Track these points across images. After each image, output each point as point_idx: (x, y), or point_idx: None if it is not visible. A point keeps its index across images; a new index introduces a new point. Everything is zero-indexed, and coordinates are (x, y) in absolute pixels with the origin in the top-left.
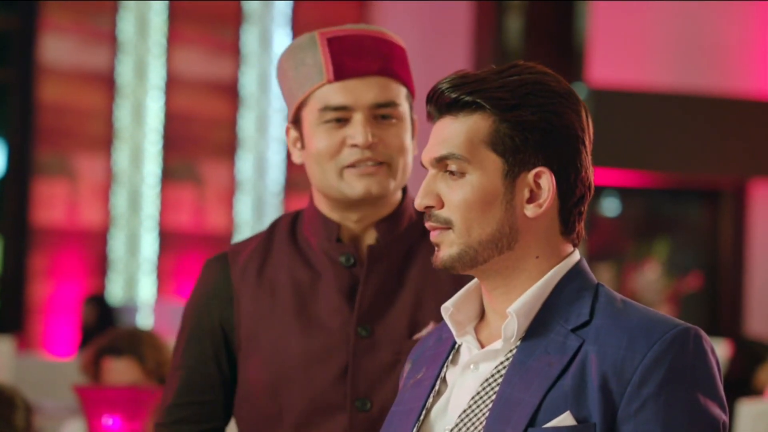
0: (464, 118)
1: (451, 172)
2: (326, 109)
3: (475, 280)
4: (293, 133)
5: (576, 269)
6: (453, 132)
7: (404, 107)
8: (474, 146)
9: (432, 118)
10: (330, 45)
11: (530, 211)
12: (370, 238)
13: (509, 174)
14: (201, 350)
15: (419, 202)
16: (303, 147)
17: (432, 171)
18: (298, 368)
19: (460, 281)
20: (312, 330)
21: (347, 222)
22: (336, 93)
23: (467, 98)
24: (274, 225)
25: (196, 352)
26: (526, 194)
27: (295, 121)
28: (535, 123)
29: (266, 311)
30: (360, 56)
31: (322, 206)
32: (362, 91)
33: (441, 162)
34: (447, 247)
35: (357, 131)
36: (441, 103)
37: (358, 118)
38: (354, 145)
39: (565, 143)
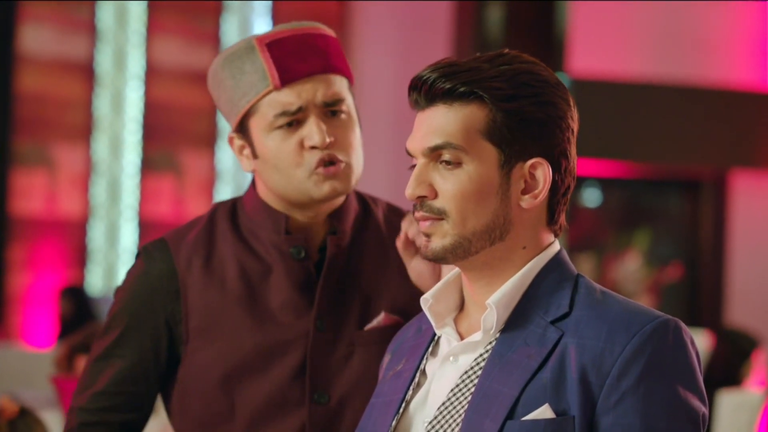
0: (459, 108)
1: (446, 162)
2: (283, 114)
3: (455, 271)
4: (238, 142)
5: (556, 260)
6: (448, 121)
7: (349, 99)
8: (470, 136)
9: (418, 105)
10: (270, 50)
11: (525, 202)
12: (320, 230)
13: (505, 164)
14: (140, 343)
15: (412, 192)
16: (255, 156)
17: (422, 160)
18: (252, 363)
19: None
20: (265, 324)
21: (296, 216)
22: (287, 97)
23: (463, 88)
24: (213, 214)
25: (135, 344)
26: (521, 185)
27: (241, 130)
28: (532, 113)
29: (216, 305)
30: (303, 57)
31: (269, 199)
32: (310, 91)
33: (435, 151)
34: (440, 238)
35: (313, 131)
36: (434, 92)
37: (311, 118)
38: (313, 147)
39: (559, 134)
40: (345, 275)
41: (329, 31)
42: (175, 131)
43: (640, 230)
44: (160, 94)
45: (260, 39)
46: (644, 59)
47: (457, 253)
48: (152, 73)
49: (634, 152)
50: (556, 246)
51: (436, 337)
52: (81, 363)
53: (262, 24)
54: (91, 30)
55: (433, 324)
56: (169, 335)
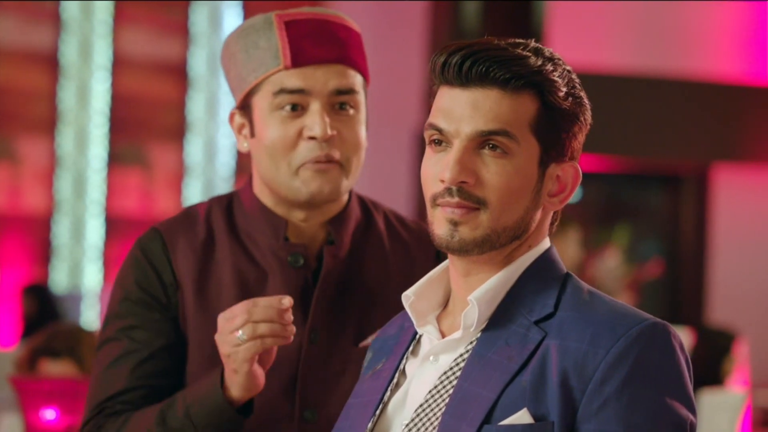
0: (514, 96)
1: (492, 149)
2: (281, 92)
3: (440, 267)
4: (239, 119)
5: (545, 257)
6: (504, 108)
7: (361, 96)
8: (522, 126)
9: (453, 82)
10: (288, 29)
11: (552, 204)
12: (320, 238)
13: (543, 162)
14: (153, 335)
15: (455, 176)
16: (252, 135)
17: (464, 144)
18: None
19: (409, 285)
20: None
21: (294, 219)
22: (292, 77)
23: (523, 79)
24: (208, 215)
25: (147, 337)
26: (549, 186)
27: (244, 107)
28: (576, 116)
29: (210, 311)
30: (320, 42)
31: (266, 198)
32: (320, 78)
33: (486, 136)
34: (472, 229)
35: (315, 122)
36: (493, 77)
37: (315, 107)
38: (311, 138)
39: (583, 139)
40: (343, 287)
41: (353, 24)
42: (142, 124)
43: (619, 226)
44: (128, 85)
45: (280, 16)
46: (623, 51)
47: (484, 247)
48: (119, 65)
49: (614, 146)
50: (546, 243)
51: (417, 336)
52: (45, 367)
53: (232, 15)
54: (55, 19)
55: (414, 322)
56: (176, 328)
